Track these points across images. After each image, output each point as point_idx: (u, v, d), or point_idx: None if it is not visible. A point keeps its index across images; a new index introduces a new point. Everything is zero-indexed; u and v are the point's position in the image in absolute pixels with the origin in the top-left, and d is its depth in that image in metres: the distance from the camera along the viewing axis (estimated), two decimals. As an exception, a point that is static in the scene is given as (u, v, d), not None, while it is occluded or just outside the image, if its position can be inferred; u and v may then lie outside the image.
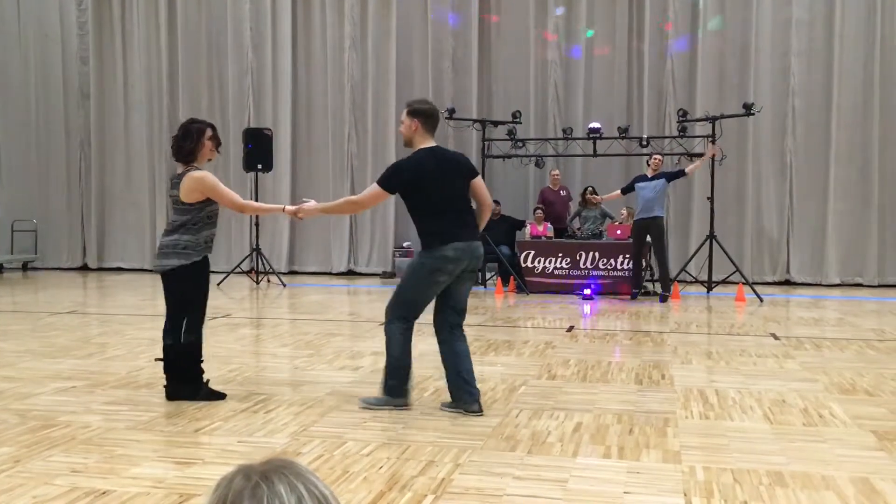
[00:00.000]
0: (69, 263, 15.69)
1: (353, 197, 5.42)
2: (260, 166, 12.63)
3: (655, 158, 11.06)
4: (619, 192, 11.48)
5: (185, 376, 5.05)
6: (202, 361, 5.19)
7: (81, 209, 15.68)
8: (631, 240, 11.23)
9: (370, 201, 5.14)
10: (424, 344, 7.19)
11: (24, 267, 15.50)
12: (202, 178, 4.92)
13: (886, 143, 12.80)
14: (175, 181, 4.99)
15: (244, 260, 13.49)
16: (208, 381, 5.19)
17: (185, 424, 4.50)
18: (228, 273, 13.16)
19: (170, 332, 5.11)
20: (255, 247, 12.97)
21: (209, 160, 5.11)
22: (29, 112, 15.79)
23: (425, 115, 4.97)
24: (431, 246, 4.85)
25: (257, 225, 13.11)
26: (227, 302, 10.54)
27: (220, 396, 5.07)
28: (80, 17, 15.48)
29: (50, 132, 15.72)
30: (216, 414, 4.72)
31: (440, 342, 4.95)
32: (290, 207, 5.26)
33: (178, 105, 15.15)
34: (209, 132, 5.05)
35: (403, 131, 5.00)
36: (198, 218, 4.98)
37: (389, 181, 4.89)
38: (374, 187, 4.95)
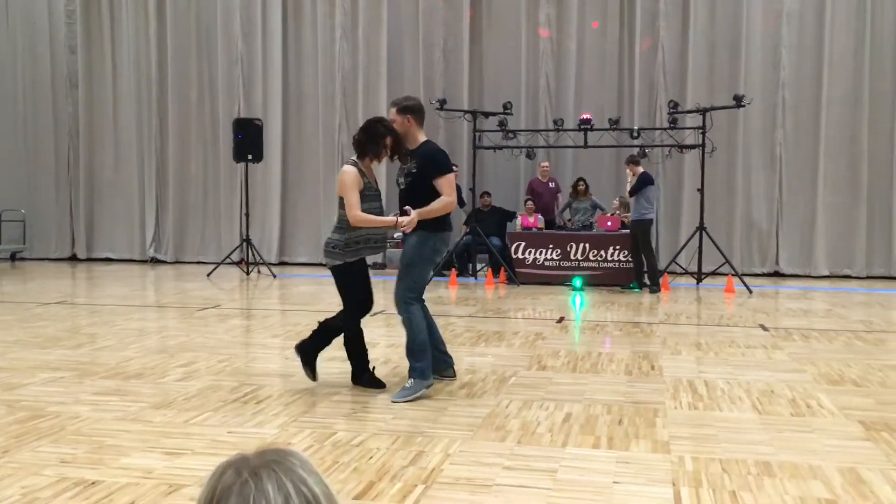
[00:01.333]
0: (58, 254, 15.61)
1: (443, 198, 5.05)
2: (250, 156, 12.58)
3: (628, 168, 11.23)
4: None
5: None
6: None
7: (70, 199, 15.60)
8: (626, 231, 11.53)
9: (452, 191, 5.19)
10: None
11: (13, 257, 15.42)
12: (342, 174, 5.03)
13: (875, 135, 12.85)
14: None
15: (234, 251, 13.45)
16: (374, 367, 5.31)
17: (174, 415, 4.49)
18: (218, 264, 13.13)
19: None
20: (245, 237, 12.93)
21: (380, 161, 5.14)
22: (17, 101, 15.67)
23: (415, 111, 5.19)
24: (437, 228, 5.09)
25: (247, 215, 13.07)
26: (216, 293, 10.51)
27: (381, 385, 5.17)
28: (68, 6, 15.36)
29: (38, 122, 15.62)
30: (206, 404, 4.72)
31: None
32: (401, 219, 4.96)
33: (167, 94, 15.06)
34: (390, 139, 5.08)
35: (399, 129, 5.12)
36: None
37: (449, 164, 5.19)
38: (448, 178, 5.10)
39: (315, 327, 5.32)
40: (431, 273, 5.22)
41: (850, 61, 12.90)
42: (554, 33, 13.89)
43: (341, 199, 5.04)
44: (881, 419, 4.49)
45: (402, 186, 5.18)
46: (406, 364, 5.13)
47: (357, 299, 5.19)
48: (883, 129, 12.85)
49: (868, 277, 12.79)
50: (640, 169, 10.99)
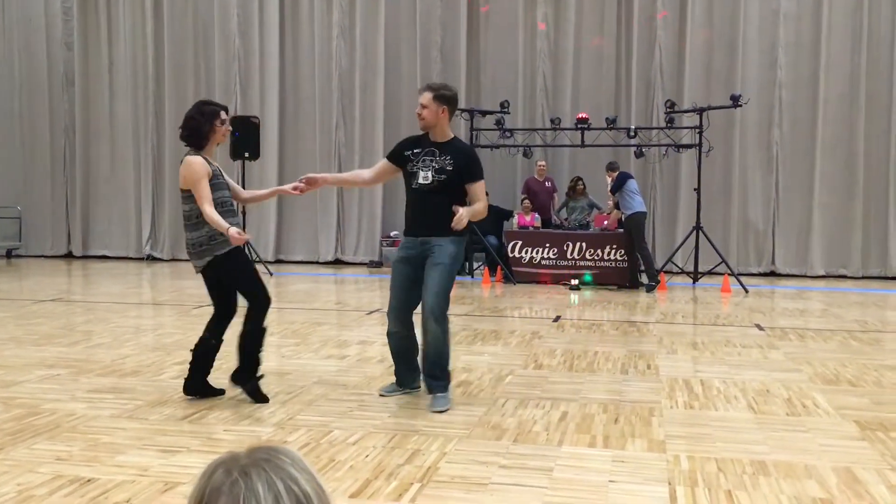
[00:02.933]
0: (53, 251, 15.59)
1: (483, 202, 4.79)
2: (247, 154, 12.56)
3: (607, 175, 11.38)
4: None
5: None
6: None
7: (66, 196, 15.57)
8: (621, 231, 11.58)
9: (485, 200, 4.92)
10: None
11: (8, 255, 15.39)
12: (186, 165, 4.60)
13: (872, 136, 12.88)
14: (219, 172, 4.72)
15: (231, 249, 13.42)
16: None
17: (170, 412, 4.49)
18: (215, 261, 13.10)
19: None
20: (241, 235, 12.90)
21: (218, 144, 4.79)
22: (13, 98, 15.63)
23: (451, 102, 4.81)
24: (462, 235, 4.77)
25: (244, 213, 13.04)
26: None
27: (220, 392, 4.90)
28: (64, 2, 15.33)
29: (34, 118, 15.59)
30: (202, 402, 4.71)
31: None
32: (235, 235, 4.51)
33: (163, 91, 15.04)
34: (223, 115, 4.75)
35: (428, 116, 4.70)
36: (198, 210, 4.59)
37: (482, 170, 4.82)
38: (483, 183, 4.81)
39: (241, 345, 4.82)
40: None
41: (847, 61, 12.93)
42: (551, 32, 13.89)
43: (187, 192, 4.60)
44: (876, 419, 4.50)
45: (427, 181, 4.68)
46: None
47: (259, 287, 4.76)
48: (879, 130, 12.87)
49: (864, 277, 12.82)
50: (615, 174, 11.22)
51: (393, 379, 5.06)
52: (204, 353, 4.83)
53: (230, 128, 4.85)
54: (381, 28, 14.26)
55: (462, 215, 4.52)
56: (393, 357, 4.97)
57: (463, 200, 4.74)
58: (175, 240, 15.15)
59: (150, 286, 11.46)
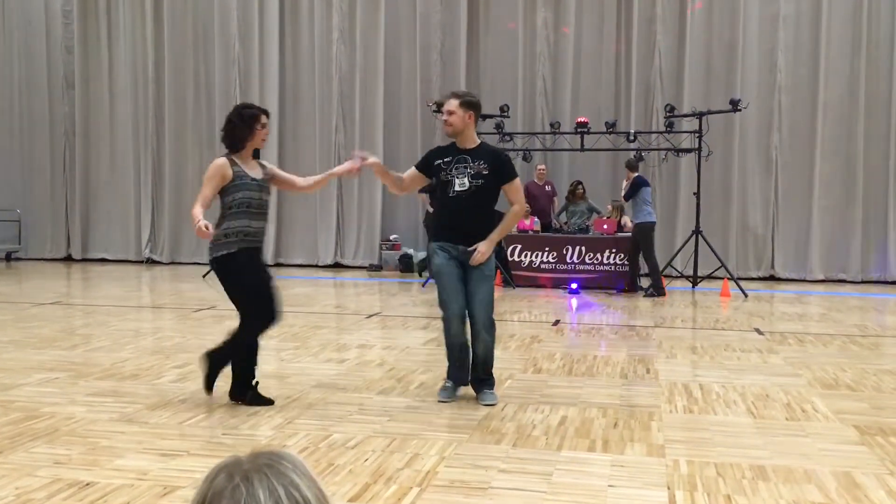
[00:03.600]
0: (53, 254, 15.58)
1: (514, 208, 4.93)
2: (246, 157, 12.55)
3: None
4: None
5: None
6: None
7: (66, 199, 15.57)
8: (620, 235, 11.59)
9: (523, 199, 5.05)
10: (409, 338, 7.21)
11: (8, 257, 15.39)
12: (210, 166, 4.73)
13: (871, 139, 12.89)
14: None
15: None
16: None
17: (169, 416, 4.48)
18: (214, 265, 13.11)
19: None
20: (241, 238, 12.91)
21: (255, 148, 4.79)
22: (12, 101, 15.65)
23: (477, 108, 4.93)
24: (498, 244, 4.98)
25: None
26: (212, 294, 10.50)
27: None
28: (64, 6, 15.35)
29: (34, 121, 15.59)
30: (201, 406, 4.71)
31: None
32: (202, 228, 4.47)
33: (163, 94, 15.05)
34: (263, 119, 4.73)
35: (456, 122, 4.79)
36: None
37: (515, 169, 4.99)
38: (518, 182, 4.96)
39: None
40: None
41: (846, 65, 12.94)
42: (551, 36, 13.91)
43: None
44: (875, 423, 4.50)
45: (464, 188, 4.76)
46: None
47: (250, 303, 4.74)
48: (879, 134, 12.89)
49: (863, 282, 12.82)
50: (634, 174, 10.98)
51: (394, 383, 5.06)
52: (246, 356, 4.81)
53: (269, 131, 4.84)
54: (380, 31, 14.27)
55: (482, 251, 4.72)
56: (454, 357, 4.94)
57: (495, 203, 4.91)
58: (174, 243, 15.15)
59: (150, 289, 11.46)
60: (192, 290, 10.93)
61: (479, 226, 4.80)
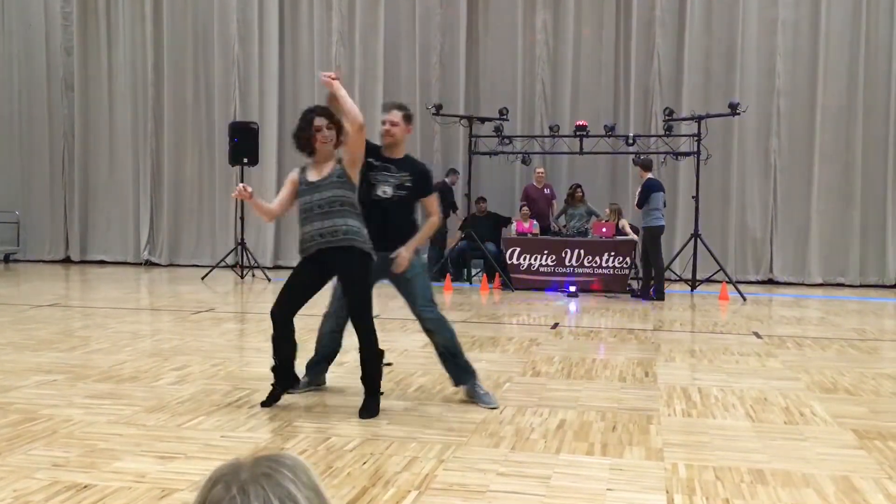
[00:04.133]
0: (52, 256, 15.57)
1: (432, 219, 5.08)
2: (246, 160, 12.57)
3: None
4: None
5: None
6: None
7: (64, 201, 15.57)
8: (619, 238, 11.59)
9: (438, 210, 5.13)
10: (408, 341, 7.21)
11: (6, 259, 15.38)
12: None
13: (870, 144, 12.91)
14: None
15: (229, 254, 13.44)
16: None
17: (167, 419, 4.48)
18: (213, 267, 13.12)
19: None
20: (239, 241, 12.91)
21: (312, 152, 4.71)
22: (12, 102, 15.64)
23: (413, 120, 5.14)
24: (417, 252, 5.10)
25: (242, 219, 13.05)
26: (211, 296, 10.49)
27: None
28: (64, 8, 15.35)
29: (33, 123, 15.59)
30: (199, 408, 4.70)
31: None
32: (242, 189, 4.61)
33: (163, 97, 15.05)
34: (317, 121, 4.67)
35: (397, 133, 4.95)
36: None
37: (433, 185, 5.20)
38: (434, 199, 5.08)
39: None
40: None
41: (845, 69, 12.96)
42: (550, 40, 13.92)
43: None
44: (874, 427, 4.50)
45: (386, 195, 4.89)
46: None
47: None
48: (877, 138, 12.90)
49: (862, 286, 12.83)
50: (648, 175, 10.80)
51: (392, 384, 5.06)
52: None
53: (326, 133, 4.67)
54: (380, 34, 14.29)
55: (403, 257, 4.82)
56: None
57: (415, 214, 5.08)
58: (173, 245, 15.15)
59: (149, 291, 11.45)
60: (191, 292, 10.92)
61: (400, 233, 4.90)
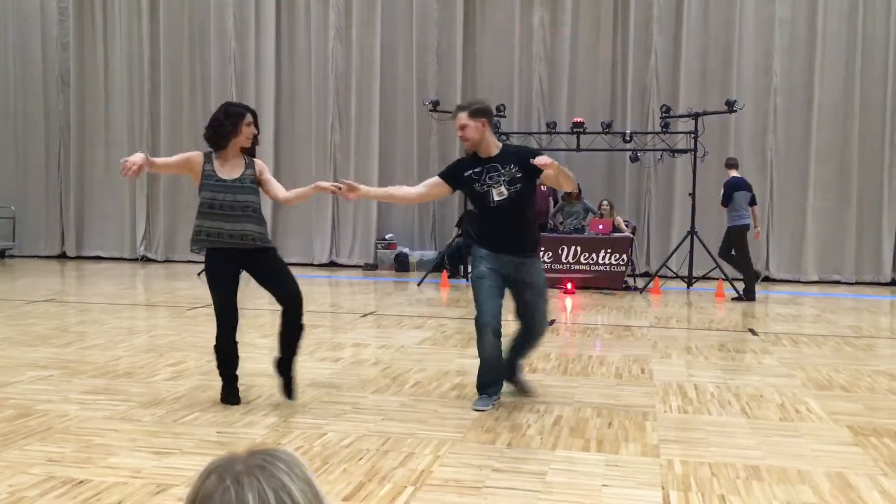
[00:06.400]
0: (47, 251, 15.54)
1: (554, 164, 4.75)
2: (242, 156, 12.52)
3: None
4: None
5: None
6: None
7: (60, 196, 15.53)
8: (615, 234, 11.60)
9: None
10: (404, 337, 7.21)
11: (2, 255, 15.34)
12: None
13: (866, 142, 12.92)
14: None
15: (225, 250, 13.41)
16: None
17: (163, 414, 4.47)
18: (209, 263, 13.09)
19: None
20: (236, 237, 12.87)
21: (241, 147, 4.69)
22: (7, 98, 15.60)
23: (489, 114, 4.84)
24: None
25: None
26: (206, 292, 10.46)
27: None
28: (60, 2, 15.31)
29: (28, 118, 15.55)
30: (195, 404, 4.70)
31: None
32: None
33: (159, 92, 15.02)
34: (248, 118, 4.65)
35: (472, 134, 4.68)
36: None
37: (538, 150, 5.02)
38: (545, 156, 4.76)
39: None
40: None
41: (842, 68, 12.98)
42: (547, 36, 13.91)
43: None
44: (869, 424, 4.51)
45: (503, 196, 4.64)
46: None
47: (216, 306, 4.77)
48: (873, 136, 12.92)
49: (857, 283, 12.85)
50: (732, 173, 10.66)
51: (388, 381, 5.04)
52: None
53: (255, 130, 4.71)
54: (377, 30, 14.26)
55: (551, 161, 4.50)
56: (487, 365, 4.77)
57: (535, 206, 4.88)
58: (169, 240, 15.12)
59: (144, 287, 11.43)
60: (187, 288, 10.91)
61: (523, 233, 4.73)
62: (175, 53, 14.95)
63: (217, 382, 4.86)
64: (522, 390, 5.05)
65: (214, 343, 4.74)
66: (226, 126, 4.63)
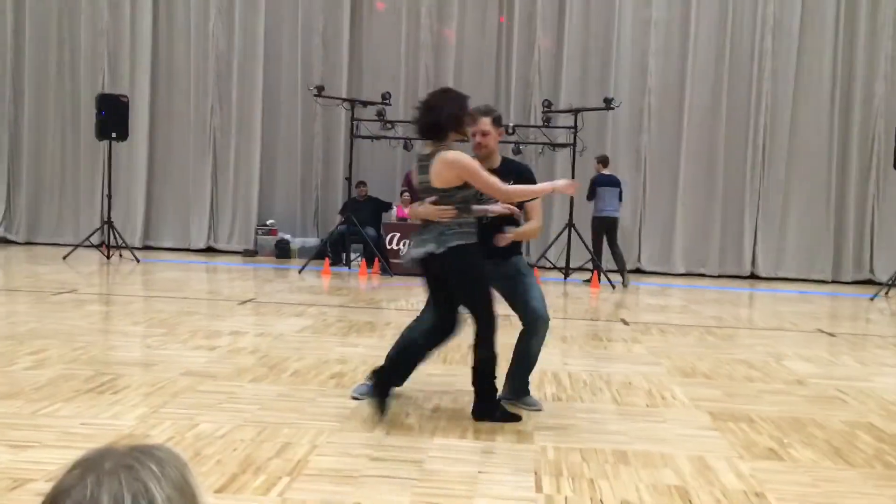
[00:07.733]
0: None
1: (533, 224, 4.73)
2: (114, 134, 11.97)
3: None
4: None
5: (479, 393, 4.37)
6: (495, 378, 4.43)
7: None
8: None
9: (541, 215, 4.82)
10: (283, 325, 7.08)
11: None
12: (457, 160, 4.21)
13: (731, 144, 13.67)
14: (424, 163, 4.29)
15: (94, 233, 12.79)
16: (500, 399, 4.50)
17: (21, 405, 4.22)
18: (76, 246, 12.43)
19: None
20: (106, 219, 12.30)
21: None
22: None
23: (502, 122, 4.70)
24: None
25: (110, 196, 12.43)
26: (73, 277, 9.95)
27: (516, 418, 4.37)
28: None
29: None
30: (57, 394, 4.46)
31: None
32: (560, 183, 4.43)
33: (23, 65, 14.12)
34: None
35: (491, 143, 4.52)
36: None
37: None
38: (537, 205, 4.67)
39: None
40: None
41: (712, 71, 13.66)
42: (434, 25, 13.96)
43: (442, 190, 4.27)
44: (727, 410, 4.79)
45: (495, 215, 4.52)
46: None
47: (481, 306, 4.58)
48: (738, 138, 13.68)
49: (720, 276, 13.60)
50: (600, 169, 11.56)
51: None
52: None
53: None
54: (261, 11, 13.91)
55: (507, 237, 4.45)
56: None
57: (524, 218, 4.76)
58: (32, 221, 14.27)
59: (3, 271, 10.74)
60: (51, 272, 10.32)
61: (513, 242, 4.64)
62: (42, 24, 14.07)
63: (81, 371, 4.63)
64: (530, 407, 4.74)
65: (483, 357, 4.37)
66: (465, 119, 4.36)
